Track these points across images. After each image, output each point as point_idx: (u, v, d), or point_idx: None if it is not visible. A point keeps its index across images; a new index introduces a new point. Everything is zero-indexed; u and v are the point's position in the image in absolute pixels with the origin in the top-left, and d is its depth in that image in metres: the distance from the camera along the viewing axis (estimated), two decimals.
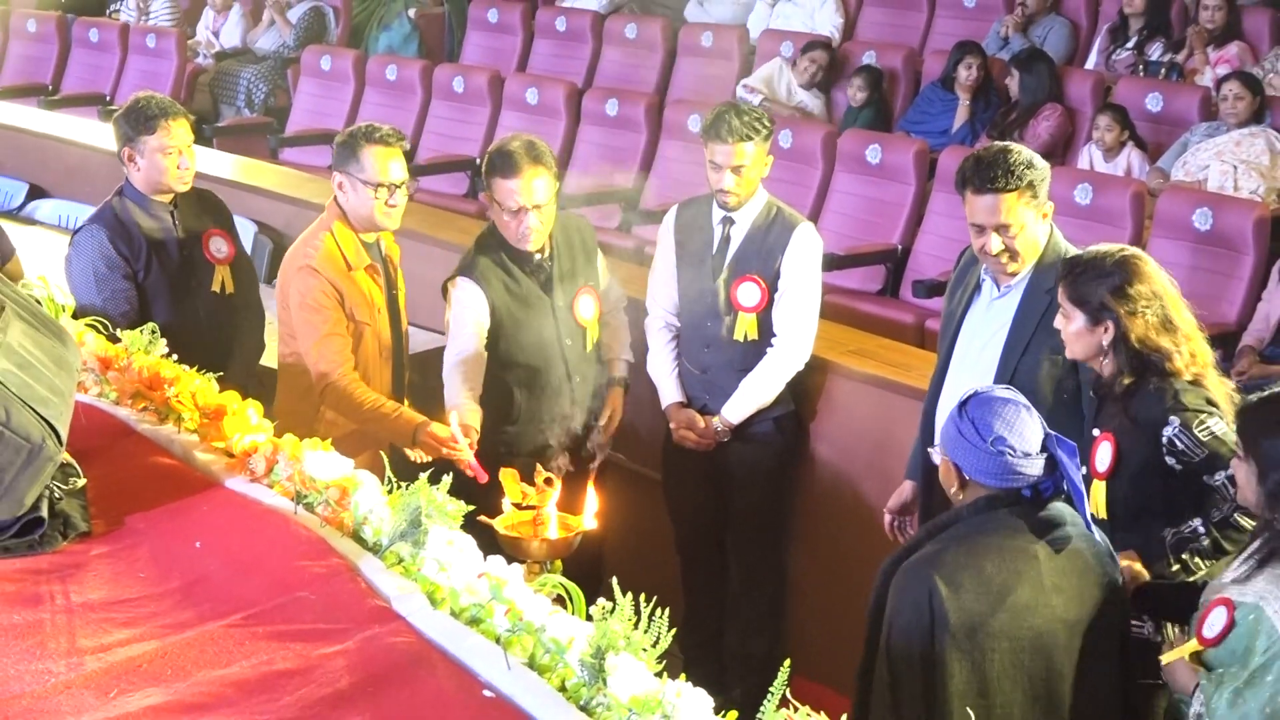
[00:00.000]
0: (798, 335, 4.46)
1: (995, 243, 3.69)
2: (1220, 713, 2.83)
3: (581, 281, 4.37)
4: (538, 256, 4.28)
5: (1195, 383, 3.32)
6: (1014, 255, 3.71)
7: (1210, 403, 3.29)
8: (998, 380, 3.70)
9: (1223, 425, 3.24)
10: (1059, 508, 3.01)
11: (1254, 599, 2.86)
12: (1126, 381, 3.35)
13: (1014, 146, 3.74)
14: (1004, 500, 2.99)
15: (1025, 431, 2.96)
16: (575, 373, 4.32)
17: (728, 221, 4.49)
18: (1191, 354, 3.33)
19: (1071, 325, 3.41)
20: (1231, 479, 3.14)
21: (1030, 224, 3.69)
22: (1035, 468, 2.96)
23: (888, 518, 4.11)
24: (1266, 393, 3.07)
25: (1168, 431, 3.25)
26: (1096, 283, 3.35)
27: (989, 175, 3.66)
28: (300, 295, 4.19)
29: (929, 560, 2.98)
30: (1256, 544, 3.01)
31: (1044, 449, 2.96)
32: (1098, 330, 3.36)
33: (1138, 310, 3.31)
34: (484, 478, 3.79)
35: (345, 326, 4.20)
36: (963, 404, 3.02)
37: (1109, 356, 3.37)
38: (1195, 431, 3.23)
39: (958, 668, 2.92)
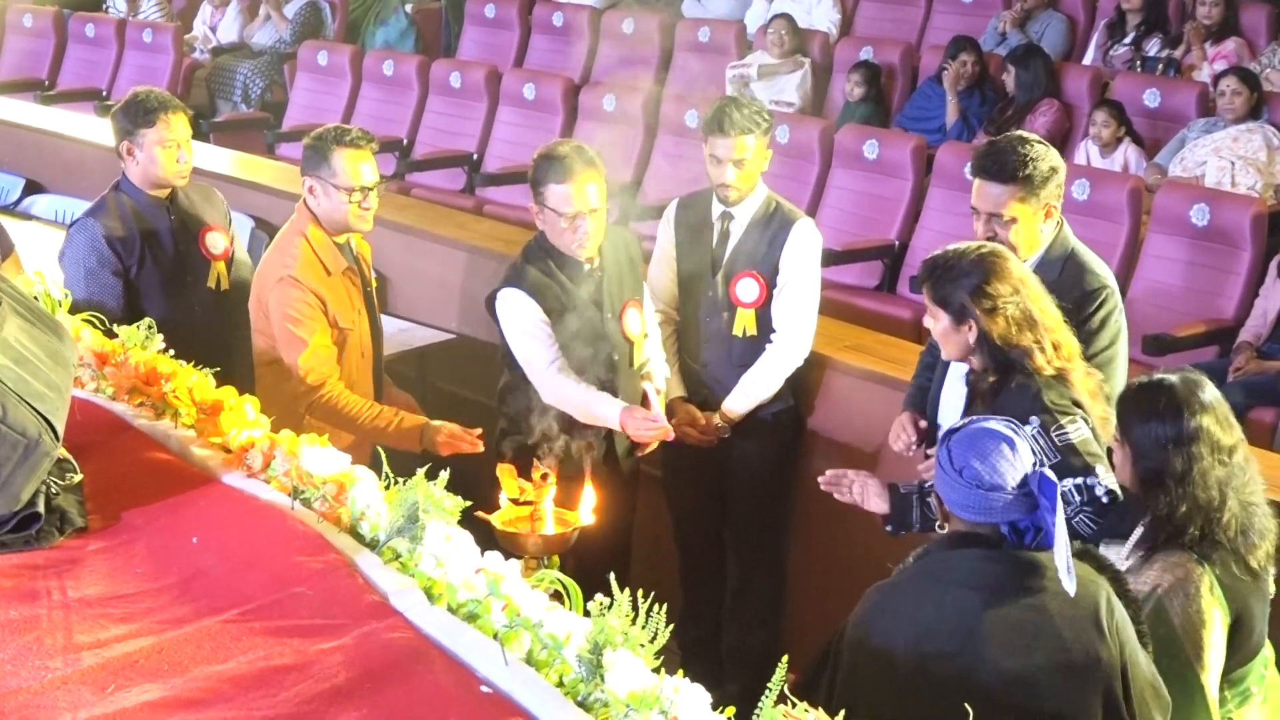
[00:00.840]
0: (797, 330, 4.46)
1: (985, 229, 3.72)
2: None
3: (628, 295, 4.30)
4: (587, 267, 4.19)
5: (1059, 378, 3.32)
6: (1000, 244, 3.71)
7: (1075, 402, 3.30)
8: None
9: (1083, 431, 3.25)
10: (1043, 559, 2.76)
11: (1148, 588, 2.94)
12: (991, 379, 3.36)
13: (1031, 139, 3.74)
14: (979, 539, 2.77)
15: (999, 465, 2.73)
16: (619, 388, 4.25)
17: (727, 216, 4.48)
18: (1054, 346, 3.33)
19: (938, 325, 3.41)
20: (1079, 487, 3.19)
21: (1025, 218, 3.69)
22: (1003, 502, 2.73)
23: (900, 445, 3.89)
24: (1144, 379, 3.11)
25: (1027, 431, 3.23)
26: (956, 283, 3.34)
27: (989, 163, 3.70)
28: (282, 307, 4.11)
29: (886, 589, 2.86)
30: (1139, 532, 3.06)
31: (1024, 486, 2.72)
32: (962, 329, 3.36)
33: (997, 308, 3.30)
34: (673, 435, 4.08)
35: (329, 335, 4.14)
36: (949, 433, 2.83)
37: (976, 354, 3.38)
38: (1052, 435, 3.24)
39: (862, 695, 2.73)
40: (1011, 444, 2.75)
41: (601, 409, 4.12)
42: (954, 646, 2.70)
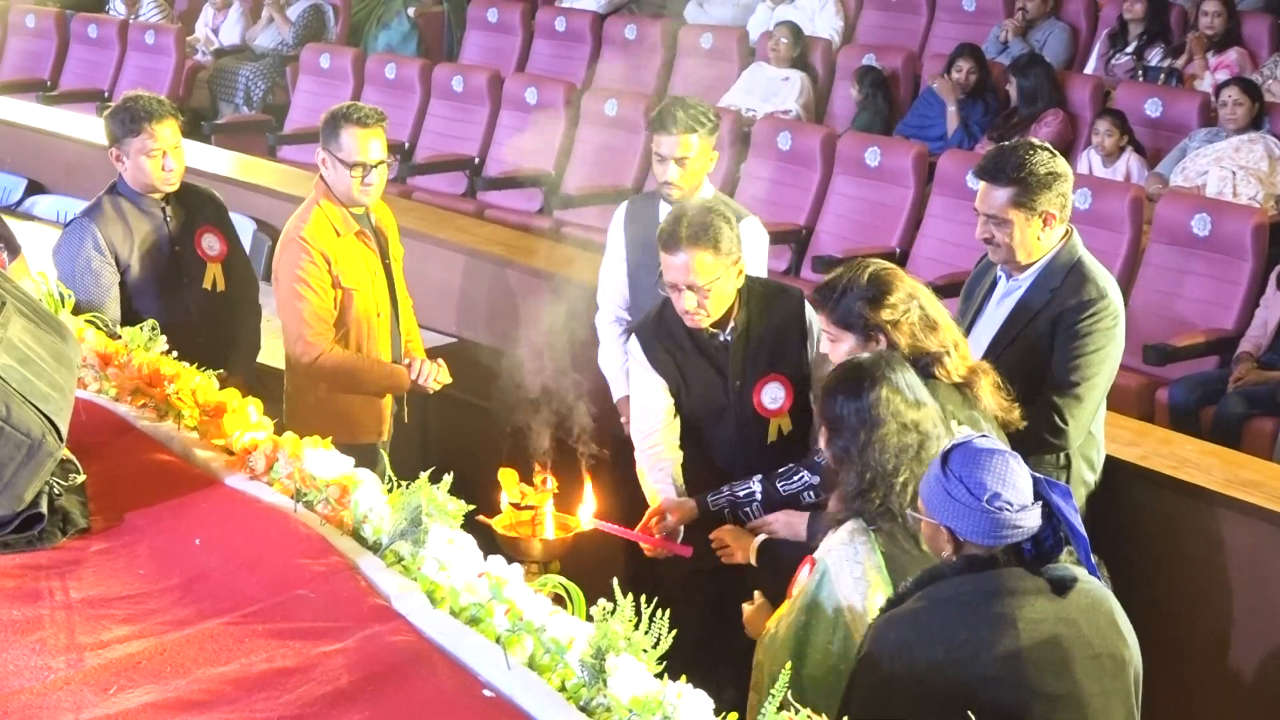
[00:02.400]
0: None
1: (981, 229, 3.76)
2: (780, 639, 3.00)
3: (772, 368, 3.90)
4: (719, 333, 3.89)
5: (966, 385, 3.36)
6: (996, 246, 3.74)
7: (971, 413, 3.33)
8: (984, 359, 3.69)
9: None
10: (1064, 570, 2.73)
11: (822, 555, 3.02)
12: None
13: (1039, 146, 3.76)
14: (1000, 559, 2.70)
15: (1019, 483, 2.68)
16: (740, 464, 3.88)
17: None
18: (955, 345, 3.38)
19: (843, 346, 3.42)
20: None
21: (1019, 223, 3.70)
22: (1033, 519, 2.68)
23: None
24: (845, 361, 3.19)
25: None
26: (855, 303, 3.38)
27: (989, 165, 3.75)
28: (290, 267, 4.32)
29: (903, 619, 2.78)
30: (832, 504, 3.12)
31: (1037, 496, 2.70)
32: (870, 346, 3.38)
33: (900, 319, 3.35)
34: (688, 551, 3.76)
35: (332, 300, 4.32)
36: (945, 460, 2.74)
37: None
38: None
39: None
40: (1014, 455, 2.74)
41: (649, 493, 3.94)
42: (995, 671, 2.65)
